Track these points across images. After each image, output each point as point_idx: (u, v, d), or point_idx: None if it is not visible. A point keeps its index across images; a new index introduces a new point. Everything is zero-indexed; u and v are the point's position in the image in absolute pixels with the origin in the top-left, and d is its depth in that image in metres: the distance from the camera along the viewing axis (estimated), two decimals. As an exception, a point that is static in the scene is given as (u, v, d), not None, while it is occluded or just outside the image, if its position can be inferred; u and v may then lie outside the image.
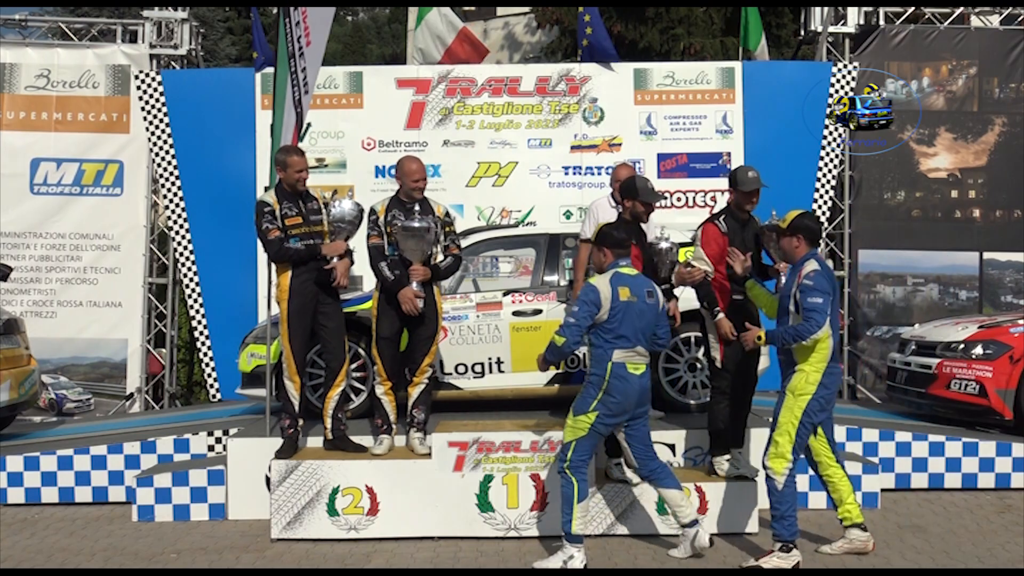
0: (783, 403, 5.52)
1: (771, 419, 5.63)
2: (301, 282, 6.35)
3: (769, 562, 5.45)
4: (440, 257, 6.50)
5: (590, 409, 5.51)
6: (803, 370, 5.48)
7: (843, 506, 5.73)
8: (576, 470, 5.54)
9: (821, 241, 10.24)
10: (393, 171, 7.05)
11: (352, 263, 6.52)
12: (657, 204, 6.38)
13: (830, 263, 6.30)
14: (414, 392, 6.49)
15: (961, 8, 11.19)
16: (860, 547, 5.70)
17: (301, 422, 6.49)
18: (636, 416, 5.63)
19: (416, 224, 6.19)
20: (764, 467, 5.57)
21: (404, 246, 6.25)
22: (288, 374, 6.42)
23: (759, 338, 5.63)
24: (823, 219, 10.27)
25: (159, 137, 10.35)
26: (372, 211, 6.43)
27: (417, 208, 6.34)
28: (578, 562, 5.49)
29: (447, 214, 6.57)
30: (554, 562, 5.52)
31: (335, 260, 6.34)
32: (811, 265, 5.50)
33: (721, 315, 6.05)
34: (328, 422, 6.49)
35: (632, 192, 6.22)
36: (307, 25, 6.58)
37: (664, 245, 6.14)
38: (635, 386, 5.54)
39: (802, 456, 6.76)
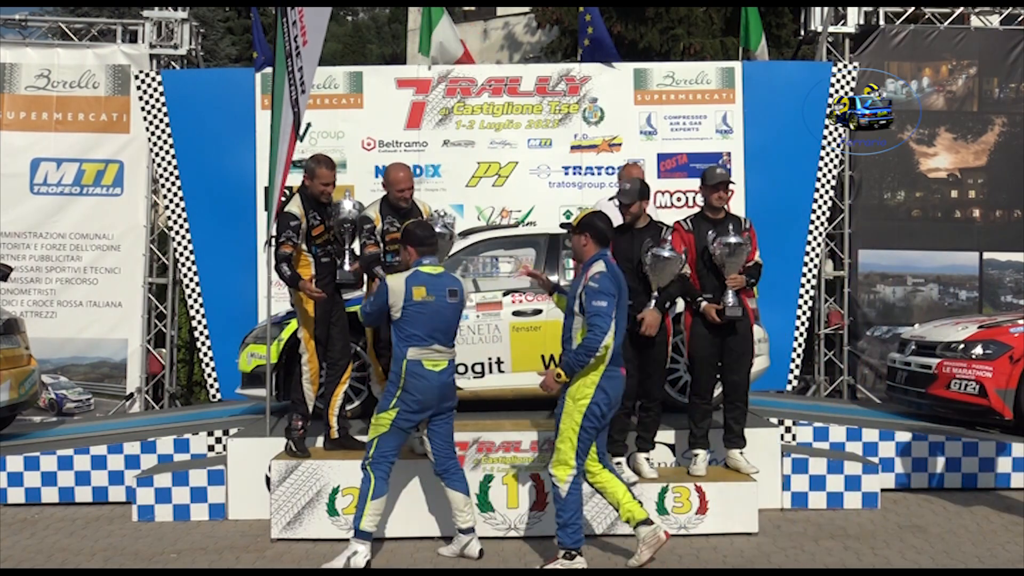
0: (563, 410, 5.41)
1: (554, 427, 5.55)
2: (323, 286, 6.35)
3: (553, 566, 5.40)
4: None
5: (390, 407, 5.56)
6: (582, 374, 5.38)
7: (622, 508, 5.52)
8: (376, 466, 5.60)
9: (824, 241, 10.27)
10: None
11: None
12: (632, 201, 6.27)
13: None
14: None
15: (961, 8, 11.19)
16: (654, 542, 5.47)
17: (309, 424, 6.49)
18: (441, 412, 5.71)
19: (438, 229, 6.19)
20: (549, 475, 5.48)
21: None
22: (310, 377, 6.40)
23: (558, 376, 5.39)
24: (823, 219, 10.28)
25: (159, 137, 10.35)
26: (367, 219, 6.39)
27: (435, 215, 6.39)
28: (361, 558, 5.54)
29: (432, 214, 6.60)
30: (338, 562, 5.56)
31: (349, 265, 6.32)
32: (598, 266, 5.40)
33: (705, 302, 6.25)
34: (334, 421, 6.49)
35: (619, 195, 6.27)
36: (303, 24, 6.57)
37: (667, 254, 6.08)
38: (434, 383, 5.59)
39: (794, 455, 6.84)
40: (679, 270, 6.16)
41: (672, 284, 6.16)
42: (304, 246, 6.32)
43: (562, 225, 6.18)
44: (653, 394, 6.31)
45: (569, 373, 5.37)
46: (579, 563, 5.39)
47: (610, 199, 6.95)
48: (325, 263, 6.41)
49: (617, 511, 5.57)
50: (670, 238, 6.17)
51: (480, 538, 5.99)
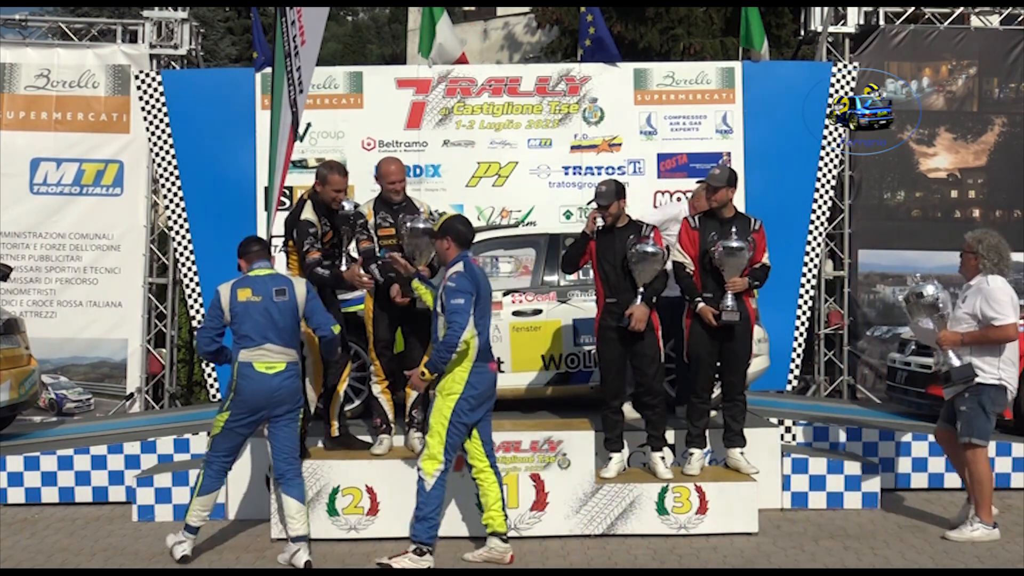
0: (433, 405, 5.52)
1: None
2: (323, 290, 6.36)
3: (401, 562, 5.44)
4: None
5: (224, 408, 5.68)
6: (449, 370, 5.49)
7: (487, 512, 5.65)
8: (208, 465, 5.74)
9: (824, 241, 10.27)
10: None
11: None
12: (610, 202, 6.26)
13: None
14: (413, 392, 6.48)
15: (961, 8, 11.20)
16: (498, 557, 5.60)
17: (309, 424, 6.48)
18: (276, 416, 5.73)
19: (421, 225, 6.18)
20: (417, 468, 5.56)
21: (413, 247, 6.21)
22: (313, 378, 6.40)
23: (423, 375, 5.54)
24: (823, 219, 10.28)
25: (159, 137, 10.35)
26: (360, 215, 6.41)
27: (421, 211, 6.35)
28: (180, 551, 5.72)
29: (431, 213, 6.58)
30: (177, 551, 5.76)
31: (346, 266, 6.31)
32: (456, 267, 5.53)
33: (702, 304, 6.22)
34: (334, 421, 6.49)
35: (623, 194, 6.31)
36: (302, 24, 6.58)
37: (651, 249, 6.08)
38: (264, 385, 5.64)
39: (794, 456, 6.84)
40: (662, 265, 6.17)
41: (656, 280, 6.17)
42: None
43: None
44: (653, 390, 6.28)
45: (433, 370, 5.50)
46: (427, 560, 5.45)
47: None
48: (326, 265, 6.40)
49: (481, 512, 5.75)
50: (652, 235, 6.20)
51: (480, 538, 6.00)
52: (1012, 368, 6.05)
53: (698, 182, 7.32)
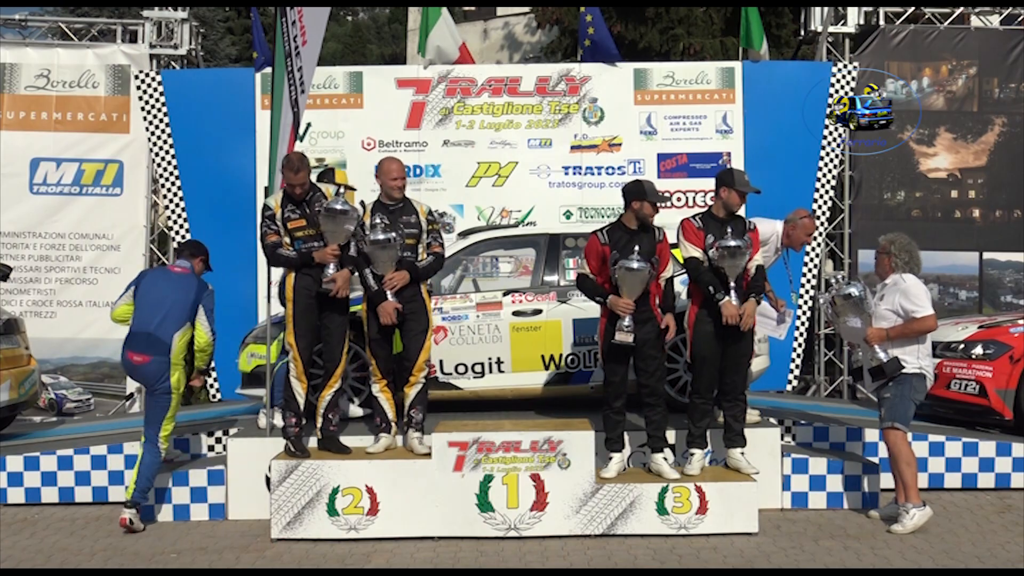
0: None
1: None
2: (304, 284, 6.35)
3: None
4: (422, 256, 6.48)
5: None
6: None
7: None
8: None
9: (824, 241, 10.27)
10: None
11: (353, 271, 6.49)
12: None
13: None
14: (411, 392, 6.48)
15: (961, 8, 11.21)
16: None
17: (304, 422, 6.49)
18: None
19: (381, 236, 6.21)
20: None
21: (374, 258, 6.28)
22: (295, 374, 6.41)
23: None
24: (823, 219, 10.28)
25: (159, 137, 10.35)
26: (351, 216, 6.39)
27: (378, 222, 6.31)
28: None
29: (430, 213, 6.56)
30: None
31: (331, 271, 6.27)
32: None
33: (727, 298, 6.18)
34: (319, 421, 6.49)
35: (640, 194, 6.23)
36: (303, 24, 6.58)
37: (635, 265, 6.01)
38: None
39: (794, 456, 6.83)
40: (649, 280, 6.11)
41: (667, 289, 6.26)
42: (287, 239, 6.35)
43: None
44: (658, 391, 6.27)
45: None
46: None
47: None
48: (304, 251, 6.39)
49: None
50: (663, 238, 6.23)
51: (480, 538, 6.00)
52: (929, 359, 6.37)
53: (803, 217, 7.03)
